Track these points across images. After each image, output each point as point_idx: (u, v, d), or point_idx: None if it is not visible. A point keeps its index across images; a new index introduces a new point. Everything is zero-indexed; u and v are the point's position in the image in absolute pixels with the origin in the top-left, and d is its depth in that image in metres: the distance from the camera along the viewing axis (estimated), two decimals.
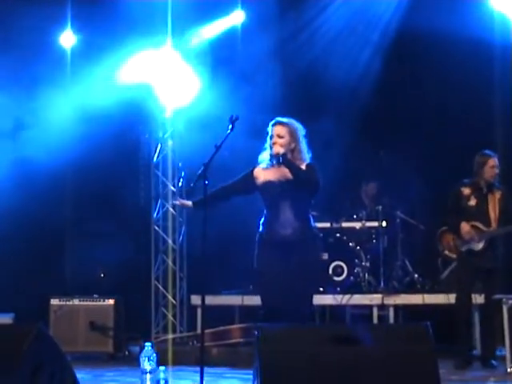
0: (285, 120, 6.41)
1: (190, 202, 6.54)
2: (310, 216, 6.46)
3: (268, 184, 6.37)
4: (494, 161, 8.09)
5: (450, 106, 9.59)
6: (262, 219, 6.45)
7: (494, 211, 8.08)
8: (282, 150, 6.27)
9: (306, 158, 6.39)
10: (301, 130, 6.43)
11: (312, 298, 6.47)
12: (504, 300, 7.68)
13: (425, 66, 9.39)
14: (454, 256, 8.38)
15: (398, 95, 10.08)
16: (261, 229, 6.44)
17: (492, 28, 9.66)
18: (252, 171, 6.49)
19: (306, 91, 10.28)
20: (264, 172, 6.43)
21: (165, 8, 9.99)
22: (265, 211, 6.44)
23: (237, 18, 10.49)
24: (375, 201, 10.45)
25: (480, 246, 8.08)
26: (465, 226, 8.09)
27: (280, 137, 6.31)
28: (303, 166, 6.32)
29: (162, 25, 10.12)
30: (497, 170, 8.10)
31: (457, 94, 9.64)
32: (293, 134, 6.36)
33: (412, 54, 9.52)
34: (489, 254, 8.12)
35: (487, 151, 8.17)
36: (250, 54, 10.19)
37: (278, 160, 6.29)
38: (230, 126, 6.22)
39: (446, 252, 8.48)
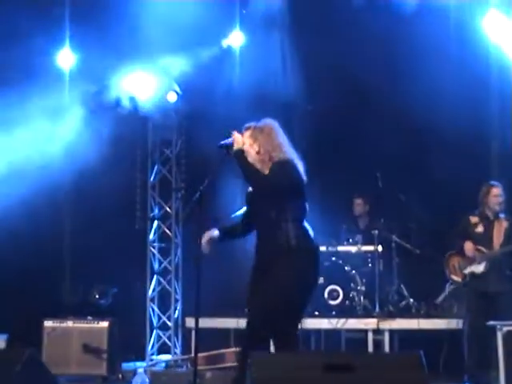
0: (250, 124, 6.04)
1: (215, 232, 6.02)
2: (289, 224, 5.76)
3: (245, 196, 6.13)
4: (497, 190, 8.51)
5: (450, 134, 9.56)
6: None
7: (498, 238, 8.47)
8: (236, 146, 5.88)
9: (274, 156, 5.88)
10: (270, 128, 6.00)
11: (274, 317, 5.69)
12: (498, 327, 7.65)
13: (424, 91, 9.36)
14: (460, 280, 8.60)
15: (396, 121, 10.05)
16: None
17: (488, 61, 9.69)
18: None
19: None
20: None
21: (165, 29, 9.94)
22: None
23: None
24: (367, 220, 10.48)
25: (481, 267, 8.40)
26: (468, 244, 8.47)
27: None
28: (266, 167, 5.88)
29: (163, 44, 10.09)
30: (501, 199, 8.49)
31: (456, 123, 9.59)
32: (256, 134, 5.96)
33: (412, 76, 9.48)
34: (492, 277, 8.37)
35: (492, 181, 8.61)
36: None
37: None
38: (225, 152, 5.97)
39: (453, 276, 8.70)
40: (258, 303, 5.73)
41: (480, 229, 8.50)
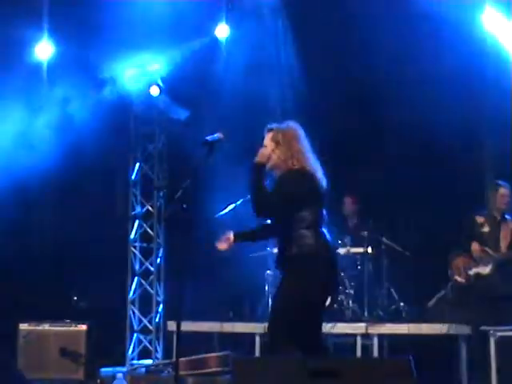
0: (272, 126, 5.89)
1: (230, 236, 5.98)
2: (300, 233, 5.63)
3: None
4: (504, 190, 8.49)
5: (449, 133, 9.43)
6: None
7: (505, 239, 8.45)
8: (259, 159, 5.76)
9: (292, 165, 5.74)
10: (292, 133, 5.84)
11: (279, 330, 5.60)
12: (491, 332, 7.57)
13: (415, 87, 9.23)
14: (464, 281, 8.46)
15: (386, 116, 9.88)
16: None
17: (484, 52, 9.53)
18: None
19: None
20: None
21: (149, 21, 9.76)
22: None
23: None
24: (356, 220, 10.32)
25: (487, 269, 8.34)
26: (475, 245, 8.42)
27: (264, 145, 5.85)
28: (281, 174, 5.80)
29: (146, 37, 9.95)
30: (508, 199, 8.48)
31: (456, 123, 9.46)
32: (278, 138, 5.80)
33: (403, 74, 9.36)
34: (497, 280, 8.27)
35: (499, 181, 8.55)
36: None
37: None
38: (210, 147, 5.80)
39: (456, 277, 8.55)
40: (273, 311, 5.75)
41: (486, 229, 8.45)
